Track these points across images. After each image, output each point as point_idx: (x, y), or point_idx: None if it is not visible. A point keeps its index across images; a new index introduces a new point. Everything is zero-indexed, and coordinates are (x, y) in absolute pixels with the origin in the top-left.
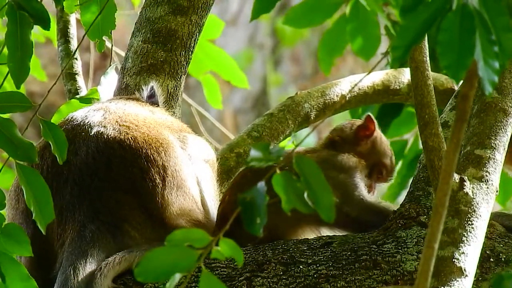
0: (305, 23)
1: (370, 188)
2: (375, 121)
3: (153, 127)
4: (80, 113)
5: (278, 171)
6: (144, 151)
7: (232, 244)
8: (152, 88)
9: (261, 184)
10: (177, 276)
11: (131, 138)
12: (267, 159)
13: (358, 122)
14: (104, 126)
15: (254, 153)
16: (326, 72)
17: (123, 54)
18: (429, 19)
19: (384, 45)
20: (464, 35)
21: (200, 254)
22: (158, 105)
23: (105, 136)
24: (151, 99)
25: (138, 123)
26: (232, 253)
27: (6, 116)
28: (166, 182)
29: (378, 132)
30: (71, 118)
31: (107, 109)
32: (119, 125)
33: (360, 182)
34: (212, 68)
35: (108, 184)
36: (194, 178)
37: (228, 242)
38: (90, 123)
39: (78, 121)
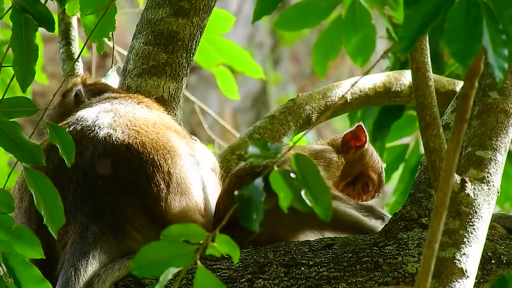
0: (297, 26)
1: (351, 197)
2: (366, 133)
3: (162, 133)
4: (90, 114)
5: (275, 168)
6: (151, 156)
7: (228, 241)
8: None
9: (258, 181)
10: (172, 271)
11: (139, 143)
12: (265, 156)
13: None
14: (114, 129)
15: (252, 149)
16: (320, 75)
17: (123, 52)
18: (434, 9)
19: (383, 46)
20: (470, 23)
21: (196, 249)
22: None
23: (113, 138)
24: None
25: (148, 128)
26: (228, 249)
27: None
28: (171, 188)
29: (370, 147)
30: (80, 117)
31: (117, 112)
32: (129, 129)
33: (322, 171)
34: (224, 60)
35: (112, 186)
36: (199, 185)
37: (224, 239)
38: (99, 125)
39: (88, 122)
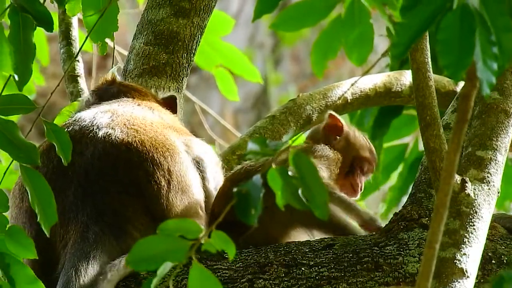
0: (295, 26)
1: (355, 186)
2: (339, 117)
3: (160, 131)
4: (88, 114)
5: (273, 166)
6: (150, 154)
7: (224, 237)
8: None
9: (257, 177)
10: (168, 265)
11: (139, 141)
12: (264, 153)
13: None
14: (112, 128)
15: (251, 146)
16: (319, 75)
17: (124, 53)
18: (429, 17)
19: (384, 45)
20: (464, 34)
21: (192, 245)
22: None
23: (112, 138)
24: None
25: (145, 126)
26: (223, 245)
27: (9, 118)
28: (171, 186)
29: (350, 128)
30: (79, 118)
31: (114, 111)
32: (127, 128)
33: (326, 171)
34: (223, 63)
35: (113, 185)
36: (199, 182)
37: (220, 235)
38: (98, 125)
39: (86, 122)
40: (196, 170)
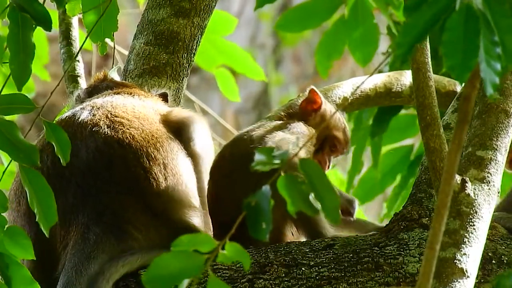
0: (299, 27)
1: (323, 163)
2: (320, 94)
3: (143, 118)
4: (68, 114)
5: (282, 173)
6: (144, 150)
7: (238, 248)
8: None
9: (266, 188)
10: (186, 282)
11: (129, 136)
12: (271, 163)
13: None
14: (97, 125)
15: (258, 157)
16: (323, 75)
17: (125, 53)
18: (433, 18)
19: (385, 45)
20: (469, 35)
21: (207, 258)
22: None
23: (102, 135)
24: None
25: (128, 116)
26: (238, 257)
27: (9, 118)
28: (168, 181)
29: (327, 105)
30: (60, 120)
31: (93, 104)
32: (111, 121)
33: (303, 149)
34: (225, 62)
35: (111, 185)
36: (190, 168)
37: (234, 246)
38: (81, 123)
39: (68, 123)
40: (185, 155)
